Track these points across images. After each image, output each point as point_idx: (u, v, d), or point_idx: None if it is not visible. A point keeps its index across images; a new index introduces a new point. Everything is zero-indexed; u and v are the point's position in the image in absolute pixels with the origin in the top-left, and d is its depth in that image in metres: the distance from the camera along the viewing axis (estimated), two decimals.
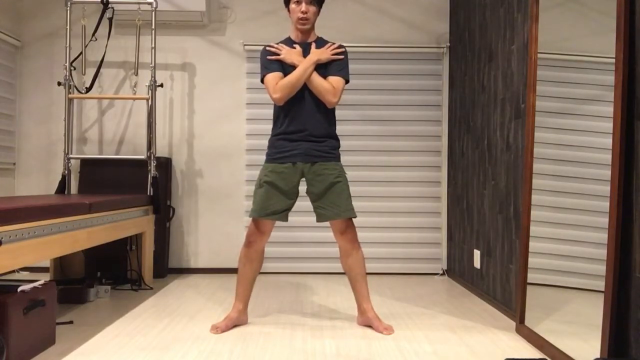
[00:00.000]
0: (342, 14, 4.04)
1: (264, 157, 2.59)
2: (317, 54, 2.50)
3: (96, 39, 3.72)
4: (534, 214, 2.35)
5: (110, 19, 3.70)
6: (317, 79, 2.48)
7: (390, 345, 2.27)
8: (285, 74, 2.49)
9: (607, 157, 1.78)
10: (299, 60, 2.48)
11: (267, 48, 2.54)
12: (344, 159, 3.90)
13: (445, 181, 4.02)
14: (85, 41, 3.75)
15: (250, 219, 2.55)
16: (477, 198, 3.31)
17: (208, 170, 4.03)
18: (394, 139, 4.01)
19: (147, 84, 3.71)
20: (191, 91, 4.04)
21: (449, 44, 3.99)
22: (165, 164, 3.84)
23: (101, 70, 3.82)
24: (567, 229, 2.07)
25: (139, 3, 3.66)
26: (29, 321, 2.02)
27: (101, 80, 3.99)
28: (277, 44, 2.56)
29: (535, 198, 2.35)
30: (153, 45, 3.68)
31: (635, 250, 1.68)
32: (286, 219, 2.57)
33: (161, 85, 3.77)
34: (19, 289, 2.00)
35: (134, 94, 3.79)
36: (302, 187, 2.55)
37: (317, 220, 2.57)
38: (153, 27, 3.67)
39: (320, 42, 2.58)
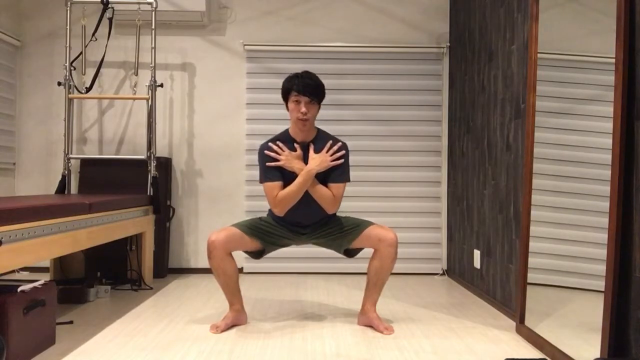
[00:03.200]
0: (342, 14, 4.04)
1: None
2: (317, 164, 2.42)
3: (96, 39, 3.72)
4: (534, 214, 2.35)
5: (110, 19, 3.70)
6: (317, 189, 2.45)
7: (390, 345, 2.27)
8: (285, 179, 2.45)
9: (607, 157, 1.78)
10: (299, 169, 2.42)
11: (266, 152, 2.46)
12: None
13: (445, 181, 4.02)
14: (85, 41, 3.75)
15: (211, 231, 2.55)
16: (477, 198, 3.30)
17: (208, 170, 4.03)
18: (394, 139, 4.00)
19: (147, 84, 3.71)
20: (191, 91, 4.04)
21: (449, 44, 3.99)
22: (165, 164, 3.84)
23: (101, 70, 3.82)
24: (567, 229, 2.07)
25: (139, 3, 3.66)
26: (29, 321, 2.02)
27: (101, 80, 3.99)
28: (276, 141, 2.48)
29: (535, 198, 2.35)
30: (153, 45, 3.68)
31: (635, 250, 1.68)
32: (259, 253, 2.60)
33: (161, 85, 3.77)
34: (19, 289, 2.00)
35: (134, 94, 3.79)
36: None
37: (346, 254, 2.65)
38: (153, 27, 3.67)
39: (320, 140, 2.51)
